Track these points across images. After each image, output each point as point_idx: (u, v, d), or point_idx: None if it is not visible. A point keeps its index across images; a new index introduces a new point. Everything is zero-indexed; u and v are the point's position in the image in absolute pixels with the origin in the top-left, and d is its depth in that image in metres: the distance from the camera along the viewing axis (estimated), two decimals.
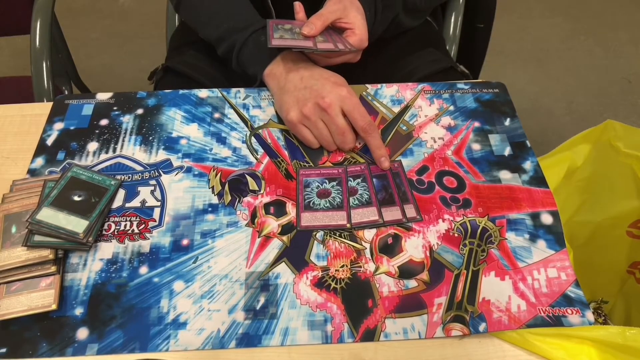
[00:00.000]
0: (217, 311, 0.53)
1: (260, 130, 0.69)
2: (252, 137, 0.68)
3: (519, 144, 0.67)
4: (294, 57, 0.70)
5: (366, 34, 0.71)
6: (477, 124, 0.70)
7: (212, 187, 0.63)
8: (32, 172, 0.64)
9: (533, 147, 0.67)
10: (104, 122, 0.70)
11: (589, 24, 2.01)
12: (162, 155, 0.66)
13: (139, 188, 0.63)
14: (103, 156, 0.66)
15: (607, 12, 2.05)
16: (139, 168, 0.65)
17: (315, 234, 0.59)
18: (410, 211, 0.61)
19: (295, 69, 0.68)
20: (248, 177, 0.64)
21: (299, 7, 0.73)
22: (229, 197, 0.62)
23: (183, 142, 0.67)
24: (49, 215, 0.56)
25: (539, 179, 0.64)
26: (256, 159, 0.66)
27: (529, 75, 1.84)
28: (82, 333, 0.51)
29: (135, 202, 0.61)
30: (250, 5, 0.75)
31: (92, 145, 0.67)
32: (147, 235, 0.58)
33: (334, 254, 0.57)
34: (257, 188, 0.63)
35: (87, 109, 0.71)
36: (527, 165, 0.65)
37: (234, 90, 0.74)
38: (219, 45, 0.74)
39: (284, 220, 0.60)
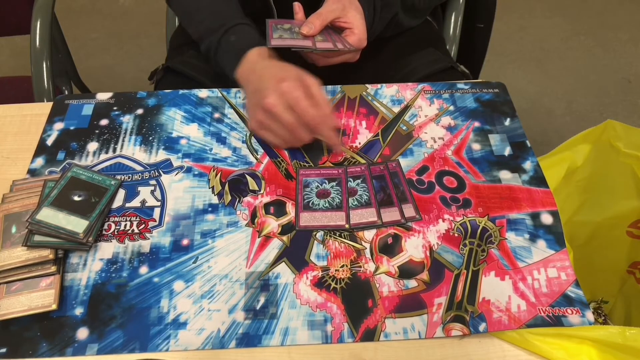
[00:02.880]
0: (217, 311, 0.53)
1: None
2: (252, 137, 0.68)
3: (519, 144, 0.67)
4: (256, 58, 0.67)
5: (365, 33, 0.71)
6: (477, 124, 0.70)
7: (212, 187, 0.63)
8: (32, 172, 0.64)
9: (533, 147, 0.67)
10: (104, 122, 0.70)
11: (589, 24, 2.01)
12: (162, 155, 0.66)
13: (139, 188, 0.63)
14: (103, 156, 0.66)
15: (607, 12, 2.05)
16: (139, 168, 0.65)
17: (315, 234, 0.59)
18: (409, 211, 0.61)
19: (252, 71, 0.66)
20: (248, 177, 0.64)
21: (298, 8, 0.73)
22: (229, 197, 0.62)
23: (183, 142, 0.67)
24: (49, 215, 0.56)
25: (539, 179, 0.64)
26: (256, 159, 0.66)
27: (529, 75, 1.84)
28: (82, 333, 0.51)
29: (135, 202, 0.61)
30: (231, 1, 0.74)
31: (92, 145, 0.67)
32: (147, 235, 0.58)
33: (334, 254, 0.57)
34: (257, 188, 0.63)
35: (87, 109, 0.71)
36: (527, 165, 0.65)
37: (234, 90, 0.74)
38: (200, 44, 0.73)
39: (284, 220, 0.60)
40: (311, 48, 0.67)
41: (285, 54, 0.70)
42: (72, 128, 0.69)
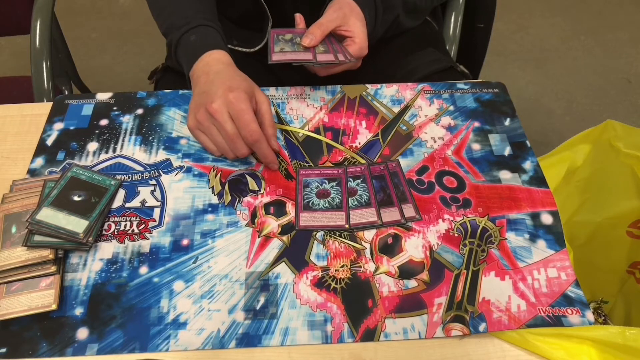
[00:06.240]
0: (217, 311, 0.53)
1: None
2: None
3: (519, 144, 0.67)
4: (213, 61, 0.67)
5: (366, 42, 0.71)
6: (477, 124, 0.70)
7: (212, 187, 0.63)
8: (32, 172, 0.64)
9: (533, 147, 0.67)
10: (103, 122, 0.70)
11: (589, 24, 2.01)
12: (162, 155, 0.66)
13: (139, 188, 0.63)
14: (103, 156, 0.66)
15: (607, 12, 2.05)
16: (139, 168, 0.65)
17: (315, 234, 0.59)
18: (409, 211, 0.61)
19: (205, 73, 0.66)
20: (248, 177, 0.64)
21: (299, 19, 0.73)
22: (229, 197, 0.62)
23: (183, 142, 0.67)
24: (49, 215, 0.56)
25: (539, 179, 0.64)
26: (256, 159, 0.66)
27: (529, 75, 1.84)
28: (82, 333, 0.51)
29: (135, 202, 0.61)
30: (202, 0, 0.73)
31: (92, 145, 0.67)
32: (147, 235, 0.58)
33: (334, 254, 0.57)
34: (257, 188, 0.63)
35: (87, 109, 0.71)
36: (527, 165, 0.65)
37: None
38: (166, 40, 0.73)
39: (284, 220, 0.60)
40: (312, 62, 0.68)
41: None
42: (72, 128, 0.69)
